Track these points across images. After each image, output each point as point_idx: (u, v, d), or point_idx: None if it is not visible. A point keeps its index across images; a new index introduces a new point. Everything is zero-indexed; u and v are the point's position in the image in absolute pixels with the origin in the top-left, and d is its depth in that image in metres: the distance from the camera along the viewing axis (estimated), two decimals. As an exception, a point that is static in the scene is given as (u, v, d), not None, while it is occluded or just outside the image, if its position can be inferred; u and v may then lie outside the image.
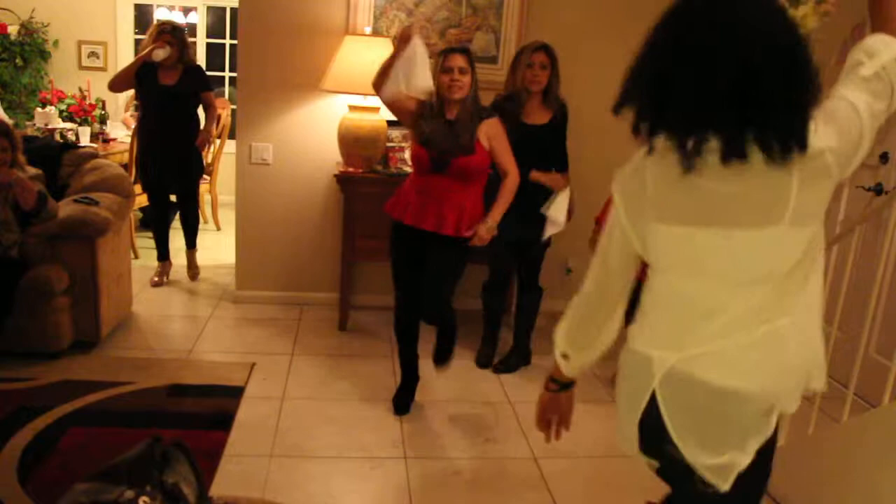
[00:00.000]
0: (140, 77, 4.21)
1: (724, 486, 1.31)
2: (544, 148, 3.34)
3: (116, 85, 4.34)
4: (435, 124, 2.84)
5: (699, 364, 1.30)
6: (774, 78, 1.13)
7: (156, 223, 4.61)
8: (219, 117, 5.20)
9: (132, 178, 4.63)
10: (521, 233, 3.31)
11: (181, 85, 4.26)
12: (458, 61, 2.80)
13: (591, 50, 4.02)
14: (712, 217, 1.24)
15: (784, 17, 1.19)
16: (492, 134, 2.88)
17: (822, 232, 1.30)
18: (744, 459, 1.31)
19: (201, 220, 5.26)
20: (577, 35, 4.09)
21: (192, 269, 4.68)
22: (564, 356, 1.56)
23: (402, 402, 3.13)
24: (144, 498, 1.15)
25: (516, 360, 3.63)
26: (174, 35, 4.23)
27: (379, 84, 2.83)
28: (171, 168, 4.37)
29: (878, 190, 3.42)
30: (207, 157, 5.32)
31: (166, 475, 1.24)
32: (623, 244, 1.39)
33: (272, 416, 3.00)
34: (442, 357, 3.17)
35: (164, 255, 4.59)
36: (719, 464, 1.31)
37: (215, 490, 2.41)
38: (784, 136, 1.15)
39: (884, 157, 3.45)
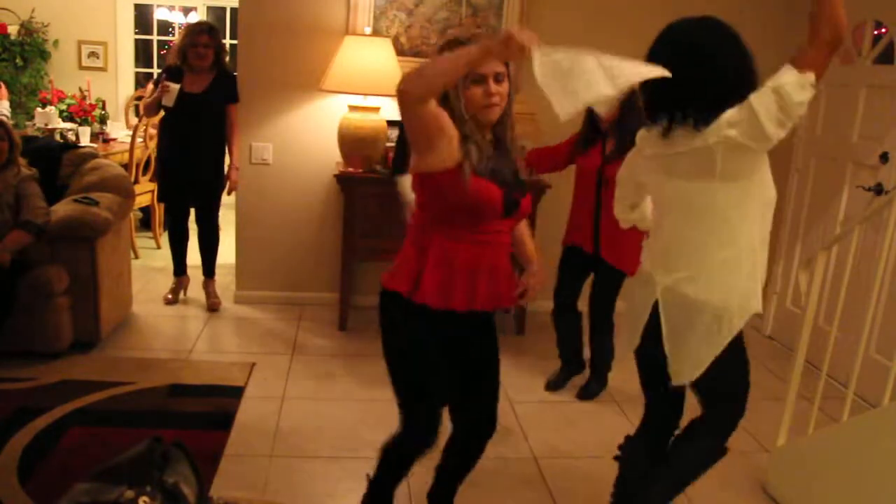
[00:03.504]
0: (173, 81, 3.89)
1: (681, 381, 1.92)
2: None
3: (147, 114, 4.41)
4: (488, 151, 1.89)
5: (682, 283, 1.86)
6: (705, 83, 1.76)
7: (172, 236, 4.25)
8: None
9: (133, 178, 4.62)
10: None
11: (210, 93, 3.92)
12: (494, 66, 1.81)
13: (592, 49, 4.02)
14: (673, 171, 1.86)
15: (727, 41, 1.76)
16: None
17: (754, 186, 1.81)
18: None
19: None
20: (577, 35, 4.09)
21: (212, 298, 4.22)
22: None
23: None
24: (144, 498, 1.15)
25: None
26: (211, 36, 3.89)
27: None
28: (189, 183, 4.02)
29: (878, 190, 3.42)
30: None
31: (166, 475, 1.24)
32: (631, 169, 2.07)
33: (272, 416, 3.00)
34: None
35: (180, 269, 4.27)
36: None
37: (215, 490, 2.41)
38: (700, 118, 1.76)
39: (884, 157, 3.45)
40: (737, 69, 1.74)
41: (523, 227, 2.11)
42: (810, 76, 1.65)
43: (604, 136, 3.10)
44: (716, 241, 1.83)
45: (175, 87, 3.86)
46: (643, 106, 1.91)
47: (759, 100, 1.67)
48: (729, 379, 1.98)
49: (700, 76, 1.74)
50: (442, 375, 2.04)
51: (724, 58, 1.74)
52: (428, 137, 1.78)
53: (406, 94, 1.70)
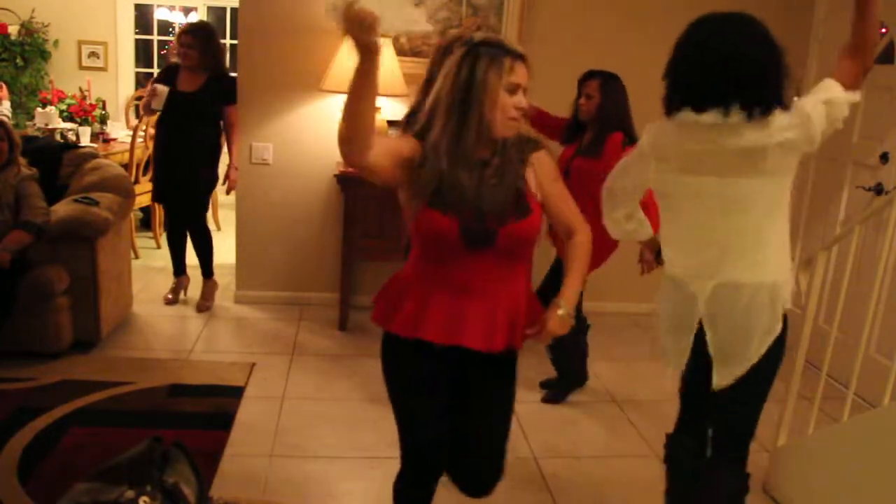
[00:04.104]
0: (166, 81, 3.91)
1: (725, 383, 1.84)
2: None
3: (146, 114, 4.38)
4: (463, 171, 1.67)
5: (731, 279, 1.81)
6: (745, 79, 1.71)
7: (171, 236, 4.26)
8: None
9: (133, 178, 4.62)
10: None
11: (203, 93, 3.91)
12: (525, 76, 1.68)
13: (591, 49, 4.02)
14: (701, 169, 1.80)
15: (761, 37, 1.71)
16: (544, 174, 1.77)
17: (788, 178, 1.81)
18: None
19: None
20: (578, 34, 4.09)
21: (205, 300, 4.17)
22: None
23: None
24: (144, 498, 1.15)
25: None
26: (194, 37, 3.87)
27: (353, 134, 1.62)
28: (183, 181, 4.01)
29: (879, 190, 3.43)
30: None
31: (166, 475, 1.24)
32: (641, 177, 1.96)
33: (272, 416, 3.00)
34: None
35: (179, 269, 4.27)
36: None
37: (215, 490, 2.41)
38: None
39: (884, 157, 3.45)
40: (770, 62, 1.72)
41: (573, 247, 1.80)
42: (857, 96, 1.76)
43: (583, 131, 3.11)
44: (766, 229, 1.80)
45: (164, 89, 3.85)
46: (666, 99, 1.82)
47: (813, 108, 1.71)
48: (755, 407, 1.92)
49: (737, 69, 1.70)
50: (423, 411, 1.89)
51: (758, 50, 1.72)
52: (396, 183, 1.73)
53: (357, 166, 1.62)
